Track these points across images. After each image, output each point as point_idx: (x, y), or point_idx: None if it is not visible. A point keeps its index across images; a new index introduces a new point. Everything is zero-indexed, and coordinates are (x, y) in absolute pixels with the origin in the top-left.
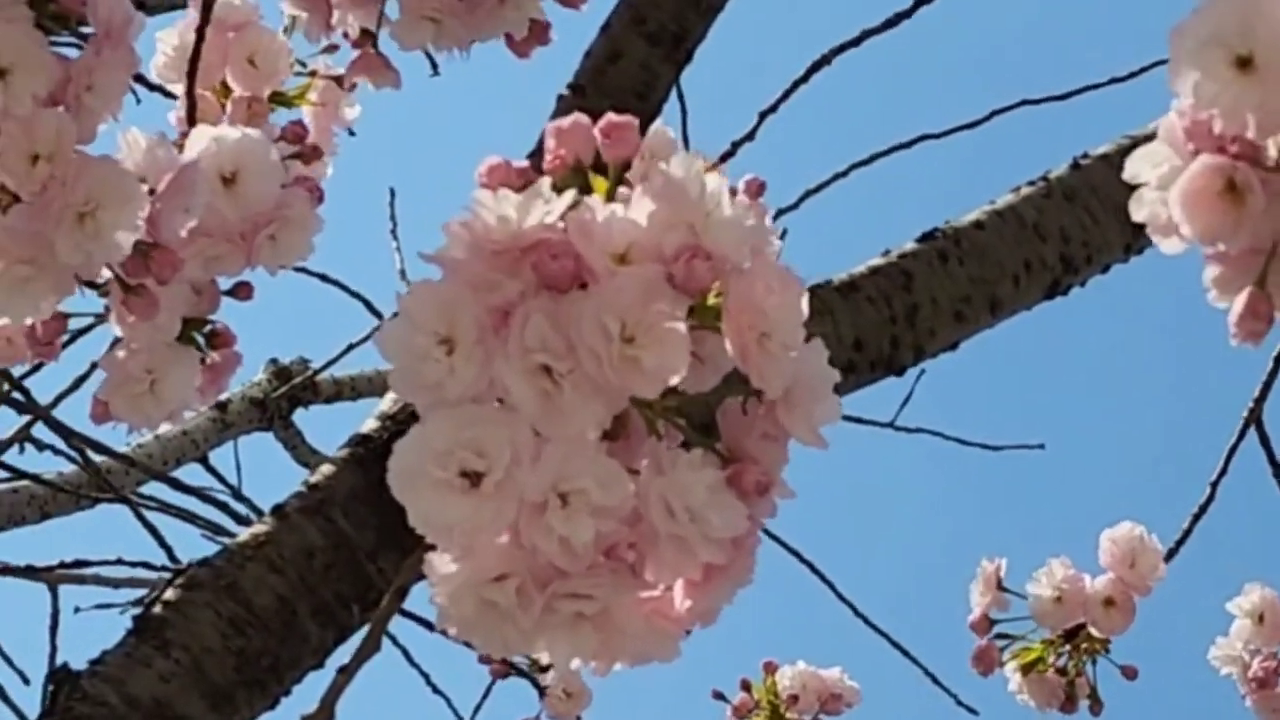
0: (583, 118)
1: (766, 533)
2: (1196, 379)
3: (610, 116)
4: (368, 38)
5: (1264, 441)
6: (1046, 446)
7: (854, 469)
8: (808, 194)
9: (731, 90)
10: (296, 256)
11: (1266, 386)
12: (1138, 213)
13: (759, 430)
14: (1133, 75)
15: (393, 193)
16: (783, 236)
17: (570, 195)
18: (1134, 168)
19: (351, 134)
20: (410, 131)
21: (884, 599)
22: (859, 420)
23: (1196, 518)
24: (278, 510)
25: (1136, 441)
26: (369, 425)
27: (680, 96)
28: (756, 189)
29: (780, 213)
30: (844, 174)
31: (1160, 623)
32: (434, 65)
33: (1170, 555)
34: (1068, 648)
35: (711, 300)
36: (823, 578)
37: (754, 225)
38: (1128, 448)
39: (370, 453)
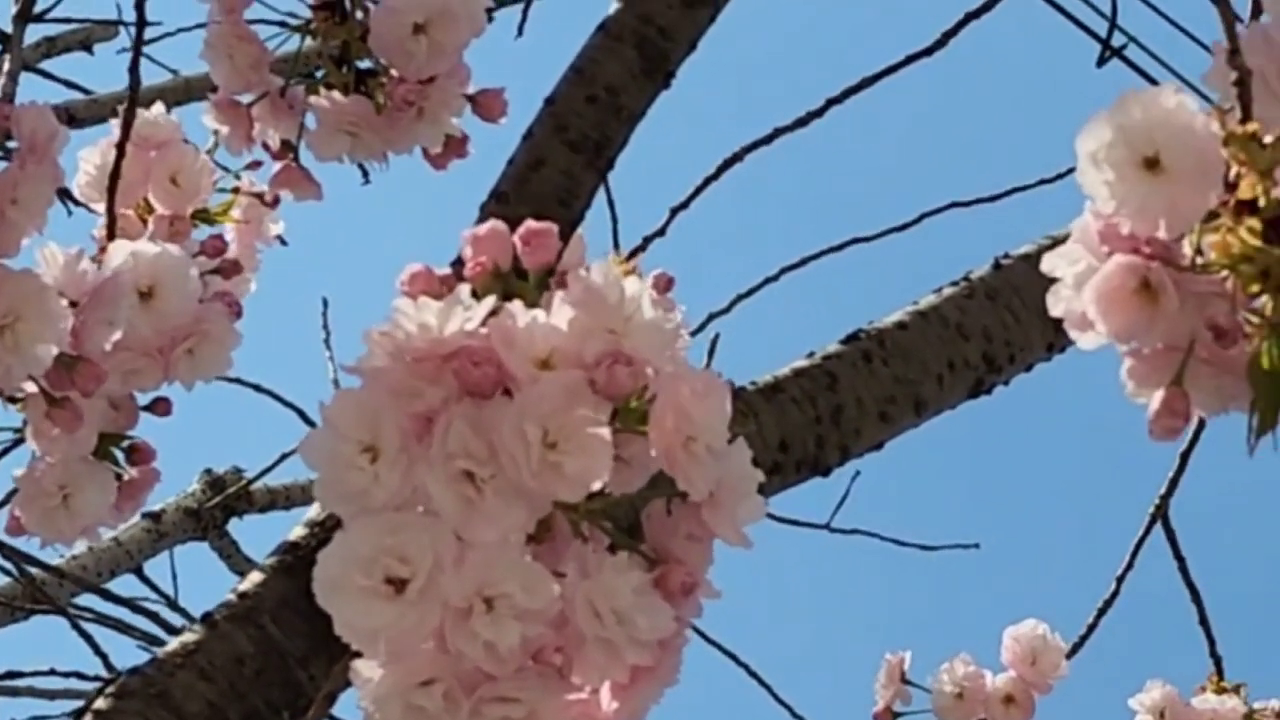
0: (500, 224)
1: (703, 635)
2: (1108, 474)
3: (529, 223)
4: (288, 150)
5: (1170, 537)
6: (981, 546)
7: (791, 571)
8: (739, 298)
9: (668, 193)
10: (214, 371)
11: (1173, 483)
12: (1055, 308)
13: (684, 531)
14: (1060, 176)
15: (325, 302)
16: (716, 340)
17: (490, 301)
18: (1050, 265)
19: (283, 243)
20: (343, 241)
21: (821, 701)
22: (794, 522)
23: (1101, 613)
24: (207, 618)
25: (1058, 537)
26: (297, 532)
27: (610, 201)
28: (665, 284)
29: (712, 316)
30: (775, 278)
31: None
32: (365, 174)
33: (1074, 651)
34: None
35: (635, 403)
36: (760, 680)
37: (677, 326)
38: (1050, 543)
39: (299, 560)
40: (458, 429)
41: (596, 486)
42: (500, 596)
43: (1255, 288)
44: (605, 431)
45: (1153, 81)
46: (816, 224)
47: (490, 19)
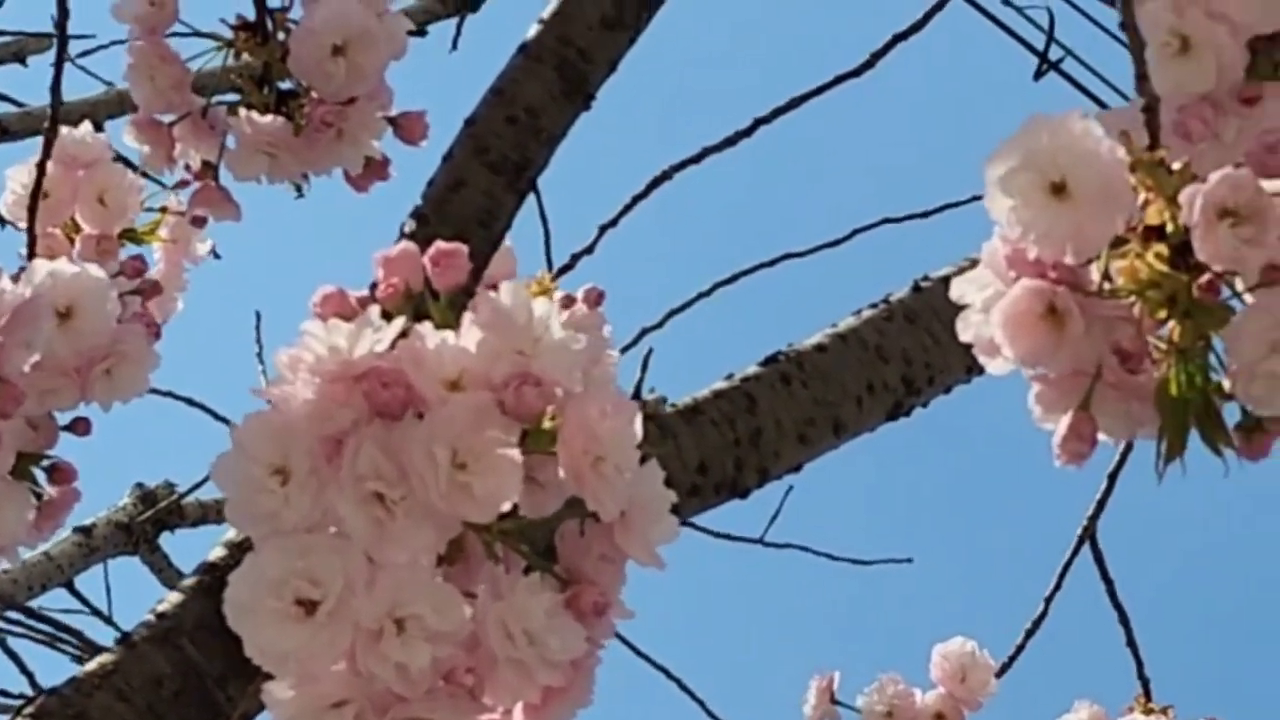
0: (410, 246)
1: (635, 649)
2: (1038, 494)
3: (438, 245)
4: (209, 170)
5: (1098, 558)
6: (914, 561)
7: (724, 585)
8: (672, 313)
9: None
10: (132, 392)
11: (1101, 504)
12: (964, 334)
13: (596, 552)
14: None
15: (259, 316)
16: (649, 356)
17: (400, 323)
18: (959, 290)
19: (217, 257)
20: (278, 256)
21: (755, 716)
22: (728, 536)
23: (1030, 633)
24: (125, 639)
25: (991, 555)
26: (216, 553)
27: (543, 217)
28: (595, 298)
29: (645, 331)
30: (708, 293)
31: None
32: (299, 190)
33: (1003, 670)
34: None
35: (547, 424)
36: (692, 695)
37: (586, 346)
38: (984, 561)
39: (217, 581)
40: (368, 451)
41: (507, 507)
42: (411, 618)
43: (1162, 313)
44: (515, 453)
45: (1090, 94)
46: (755, 240)
47: (424, 34)
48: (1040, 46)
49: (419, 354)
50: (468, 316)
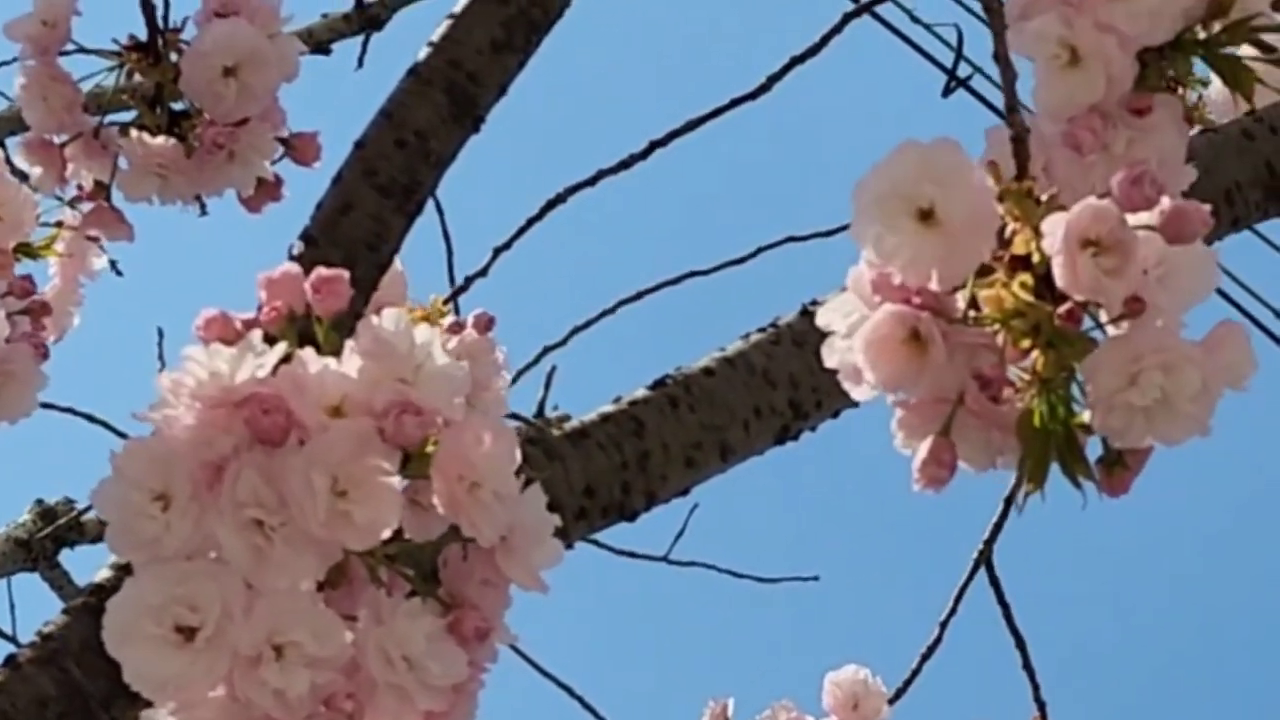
0: (293, 268)
1: (537, 667)
2: (938, 517)
3: (320, 270)
4: (101, 190)
5: (994, 582)
6: (821, 578)
7: (628, 603)
8: (575, 330)
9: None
10: (19, 413)
11: (997, 527)
12: (829, 360)
13: (479, 576)
14: None
15: (161, 332)
16: (552, 373)
17: (281, 348)
18: (825, 317)
19: (118, 273)
20: (180, 272)
21: None
22: (631, 554)
23: (924, 658)
24: (10, 661)
25: (892, 577)
26: (103, 574)
27: (445, 235)
28: (485, 323)
29: (547, 349)
30: (611, 310)
31: None
32: (203, 208)
33: (897, 696)
34: None
35: (430, 449)
36: (595, 714)
37: (472, 372)
38: (885, 584)
39: (103, 602)
40: (247, 477)
41: (388, 534)
42: (290, 644)
43: (1026, 343)
44: (395, 480)
45: (998, 111)
46: (662, 258)
47: (328, 52)
48: (949, 64)
49: (301, 380)
50: (348, 344)
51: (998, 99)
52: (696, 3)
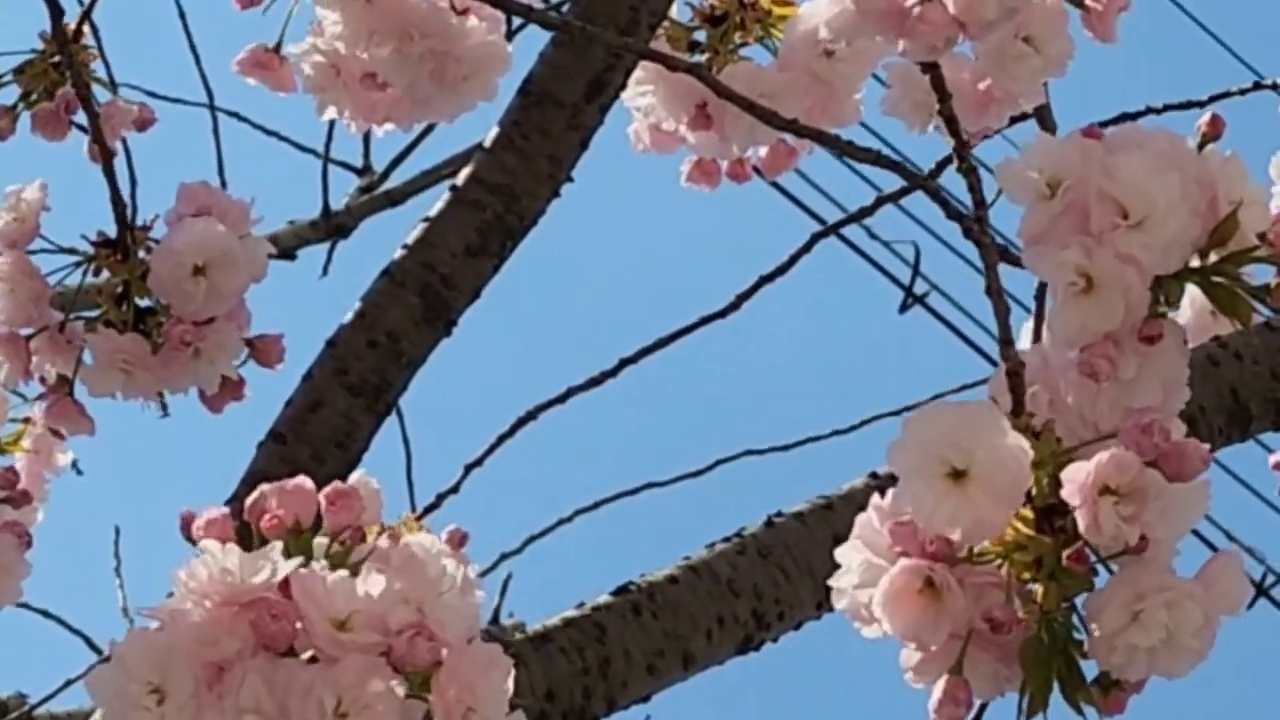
0: (306, 482)
1: None
2: None
3: (336, 485)
4: (64, 384)
5: None
6: None
7: None
8: (532, 539)
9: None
10: (4, 601)
11: None
12: (839, 603)
13: None
14: (854, 428)
15: (118, 531)
16: (508, 581)
17: (298, 559)
18: (843, 555)
19: (79, 472)
20: (137, 471)
21: None
22: None
23: None
24: None
25: None
26: None
27: (405, 440)
28: (459, 539)
29: (504, 556)
30: (568, 519)
31: None
32: (164, 407)
33: None
34: None
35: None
36: None
37: (479, 608)
38: None
39: None
40: (252, 684)
41: None
42: None
43: (1028, 575)
44: (396, 708)
45: (953, 328)
46: (617, 469)
47: (294, 258)
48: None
49: (313, 590)
50: (368, 559)
51: (954, 316)
52: (662, 211)
